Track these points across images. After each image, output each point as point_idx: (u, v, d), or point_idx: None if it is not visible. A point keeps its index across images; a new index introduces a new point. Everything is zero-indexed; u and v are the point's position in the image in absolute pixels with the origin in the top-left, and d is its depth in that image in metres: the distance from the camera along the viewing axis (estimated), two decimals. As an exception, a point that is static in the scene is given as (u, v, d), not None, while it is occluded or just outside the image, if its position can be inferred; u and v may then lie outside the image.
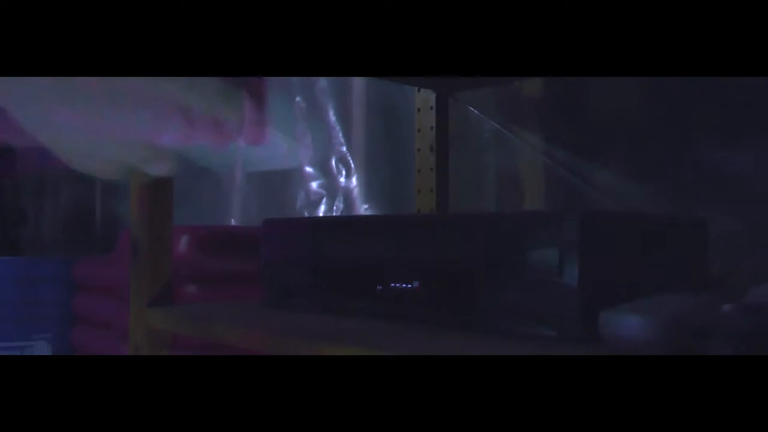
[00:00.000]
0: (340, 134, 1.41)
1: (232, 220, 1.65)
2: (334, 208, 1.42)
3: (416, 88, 1.09)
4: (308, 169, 1.47)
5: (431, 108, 1.08)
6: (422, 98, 1.09)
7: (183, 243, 1.10)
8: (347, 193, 1.40)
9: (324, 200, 1.44)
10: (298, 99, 1.49)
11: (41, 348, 1.51)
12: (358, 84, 1.37)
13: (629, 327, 0.41)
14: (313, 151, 1.45)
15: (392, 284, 0.61)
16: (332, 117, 1.42)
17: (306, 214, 1.46)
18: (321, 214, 1.44)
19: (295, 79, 1.49)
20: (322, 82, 1.44)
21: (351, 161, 1.40)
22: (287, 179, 1.50)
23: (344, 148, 1.41)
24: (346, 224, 0.68)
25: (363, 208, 1.36)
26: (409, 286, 0.60)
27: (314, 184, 1.45)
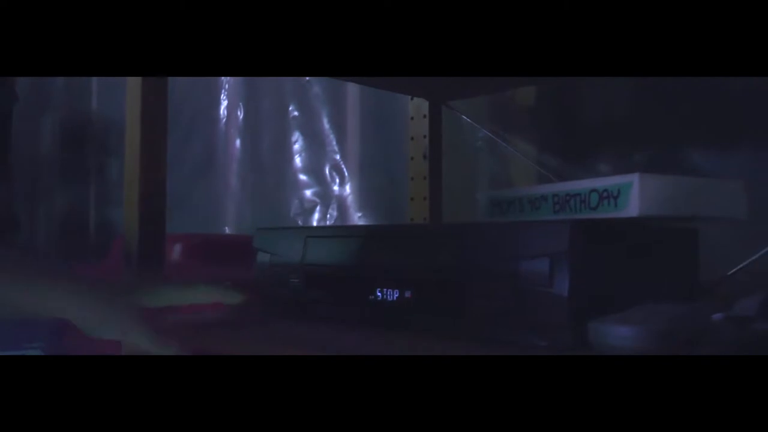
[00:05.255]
0: (334, 142, 1.41)
1: (226, 228, 1.65)
2: (328, 215, 1.42)
3: (409, 96, 1.10)
4: (302, 177, 1.47)
5: (424, 116, 1.08)
6: (415, 106, 1.09)
7: (176, 251, 1.10)
8: (341, 201, 1.40)
9: (318, 208, 1.44)
10: (291, 107, 1.49)
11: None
12: (352, 92, 1.38)
13: (619, 337, 0.42)
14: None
15: (386, 293, 0.61)
16: (326, 125, 1.43)
17: (300, 222, 1.46)
18: (315, 222, 1.44)
19: (289, 86, 1.49)
20: (316, 89, 1.44)
21: (345, 169, 1.40)
22: (281, 187, 1.51)
23: (338, 156, 1.41)
24: (338, 233, 0.68)
25: (356, 216, 1.37)
26: (401, 295, 0.60)
27: (308, 192, 1.46)
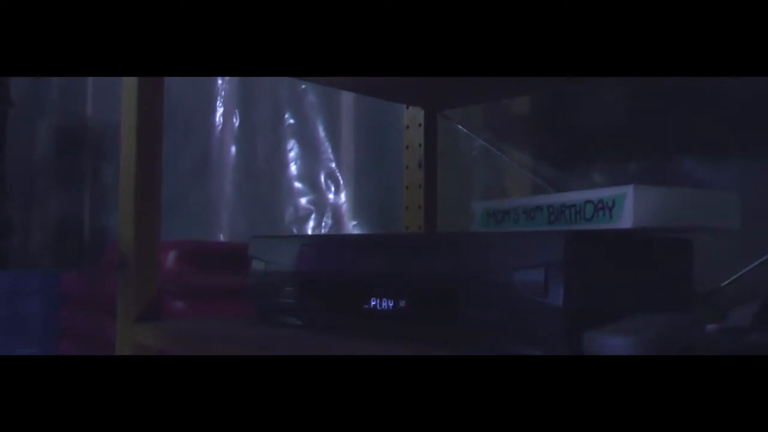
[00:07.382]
0: (329, 150, 1.42)
1: (221, 235, 1.65)
2: (323, 224, 1.42)
3: (405, 104, 1.10)
4: (297, 185, 1.47)
5: (420, 125, 1.08)
6: (411, 115, 1.10)
7: (171, 258, 1.10)
8: (336, 209, 1.40)
9: (313, 216, 1.44)
10: (286, 115, 1.49)
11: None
12: (347, 100, 1.38)
13: (613, 348, 0.42)
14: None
15: (380, 302, 0.61)
16: (321, 133, 1.43)
17: (294, 230, 1.46)
18: (309, 230, 1.44)
19: (284, 94, 1.49)
20: (311, 98, 1.44)
21: (340, 177, 1.40)
22: (276, 194, 1.51)
23: (333, 164, 1.41)
24: (333, 242, 0.68)
25: (351, 224, 1.37)
26: (395, 304, 0.60)
27: (303, 200, 1.46)
